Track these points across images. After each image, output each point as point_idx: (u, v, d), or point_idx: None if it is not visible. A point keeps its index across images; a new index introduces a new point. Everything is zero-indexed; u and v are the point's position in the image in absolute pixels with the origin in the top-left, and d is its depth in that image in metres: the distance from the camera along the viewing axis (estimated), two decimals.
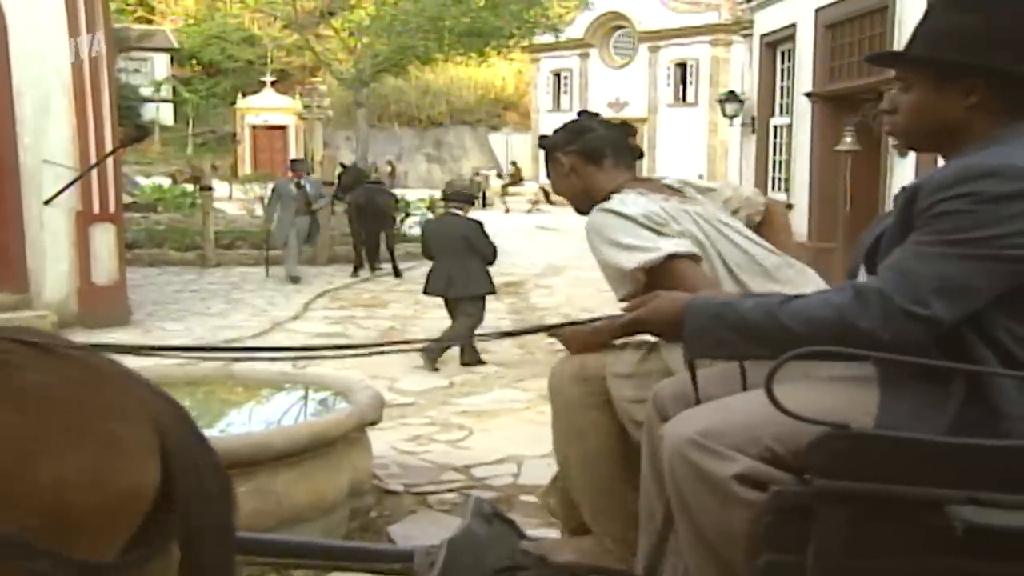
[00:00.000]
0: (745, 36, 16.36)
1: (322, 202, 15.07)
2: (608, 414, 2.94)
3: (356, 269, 15.48)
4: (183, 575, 2.03)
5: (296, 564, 3.36)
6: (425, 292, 8.92)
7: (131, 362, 2.18)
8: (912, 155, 9.40)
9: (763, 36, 14.75)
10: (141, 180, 26.50)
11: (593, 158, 3.11)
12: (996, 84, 2.00)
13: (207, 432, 2.19)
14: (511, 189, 34.96)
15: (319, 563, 3.30)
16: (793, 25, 13.47)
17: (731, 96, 16.15)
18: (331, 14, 28.44)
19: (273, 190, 15.30)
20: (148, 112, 38.16)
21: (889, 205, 2.19)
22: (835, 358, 2.02)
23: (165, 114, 40.01)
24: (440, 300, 8.91)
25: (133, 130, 11.00)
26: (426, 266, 9.15)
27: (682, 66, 32.85)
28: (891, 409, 1.96)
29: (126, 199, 15.68)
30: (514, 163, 37.76)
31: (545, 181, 23.22)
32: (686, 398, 2.30)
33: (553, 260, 17.24)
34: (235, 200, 26.12)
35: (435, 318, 11.32)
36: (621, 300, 2.80)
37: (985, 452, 1.84)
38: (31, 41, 9.70)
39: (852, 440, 1.85)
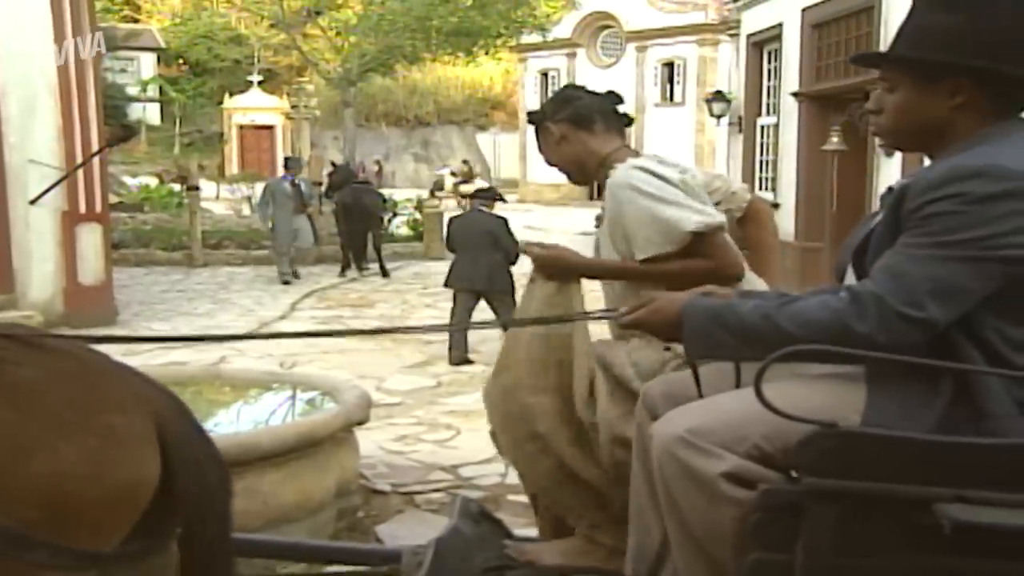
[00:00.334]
0: (732, 36, 16.36)
1: (313, 202, 15.00)
2: (553, 398, 2.93)
3: (344, 269, 15.45)
4: (183, 567, 2.04)
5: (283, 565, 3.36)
6: (446, 285, 8.97)
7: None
8: (898, 155, 9.43)
9: (750, 36, 14.77)
10: (128, 180, 26.40)
11: (583, 124, 3.11)
12: (982, 84, 2.00)
13: None
14: (462, 188, 34.82)
15: (306, 563, 3.30)
16: (780, 25, 13.49)
17: (718, 96, 16.15)
18: (318, 13, 28.36)
19: (265, 188, 15.06)
20: (135, 112, 37.99)
21: (876, 205, 2.19)
22: (825, 359, 2.02)
23: (152, 114, 39.82)
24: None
25: (119, 130, 11.00)
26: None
27: (669, 66, 32.89)
28: (879, 408, 1.96)
29: (112, 199, 15.61)
30: (466, 161, 37.65)
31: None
32: (676, 397, 2.30)
33: None
34: (222, 200, 26.07)
35: (423, 318, 11.32)
36: (643, 260, 2.84)
37: (972, 450, 1.85)
38: (17, 41, 9.66)
39: (841, 438, 1.86)
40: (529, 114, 3.29)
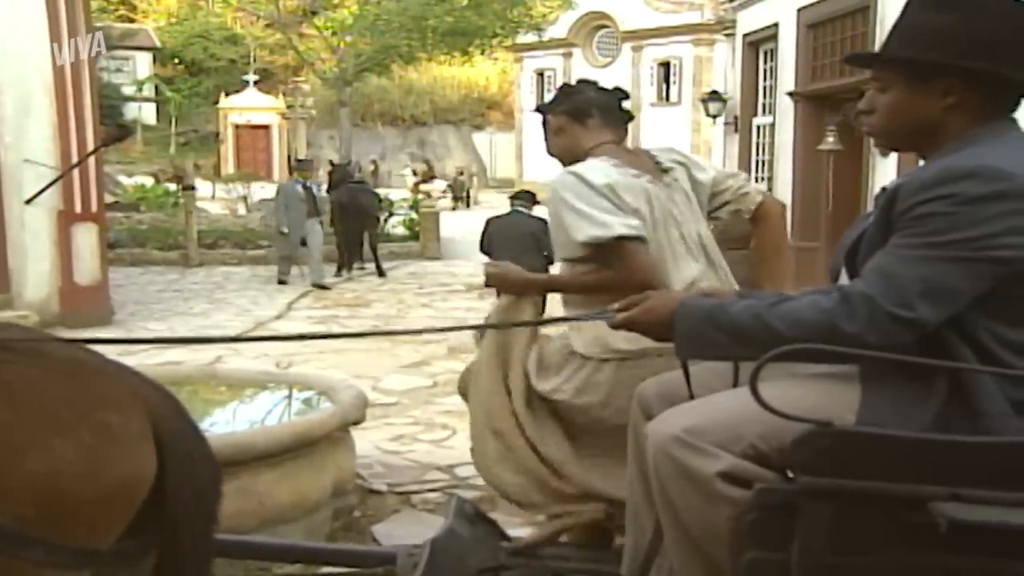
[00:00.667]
0: (728, 36, 16.36)
1: (326, 207, 14.62)
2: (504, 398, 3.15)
3: (340, 269, 15.43)
4: (160, 563, 2.04)
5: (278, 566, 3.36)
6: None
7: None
8: (894, 154, 9.43)
9: (746, 36, 14.77)
10: (123, 179, 26.39)
11: (579, 117, 3.22)
12: (974, 84, 2.00)
13: None
14: (422, 187, 34.82)
15: (301, 565, 3.30)
16: (775, 25, 13.49)
17: (714, 95, 16.16)
18: (314, 13, 28.37)
19: (278, 192, 14.68)
20: (130, 111, 37.99)
21: (871, 204, 2.19)
22: (819, 358, 2.02)
23: (147, 113, 39.83)
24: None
25: (115, 129, 10.99)
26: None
27: (665, 65, 32.96)
28: (873, 406, 1.97)
29: (108, 198, 15.60)
30: (427, 161, 37.69)
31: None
32: (670, 397, 2.30)
33: None
34: (218, 199, 26.03)
35: (419, 317, 11.32)
36: (561, 261, 3.06)
37: (967, 449, 1.85)
38: (12, 41, 9.65)
39: (836, 437, 1.86)
40: (538, 107, 3.43)
